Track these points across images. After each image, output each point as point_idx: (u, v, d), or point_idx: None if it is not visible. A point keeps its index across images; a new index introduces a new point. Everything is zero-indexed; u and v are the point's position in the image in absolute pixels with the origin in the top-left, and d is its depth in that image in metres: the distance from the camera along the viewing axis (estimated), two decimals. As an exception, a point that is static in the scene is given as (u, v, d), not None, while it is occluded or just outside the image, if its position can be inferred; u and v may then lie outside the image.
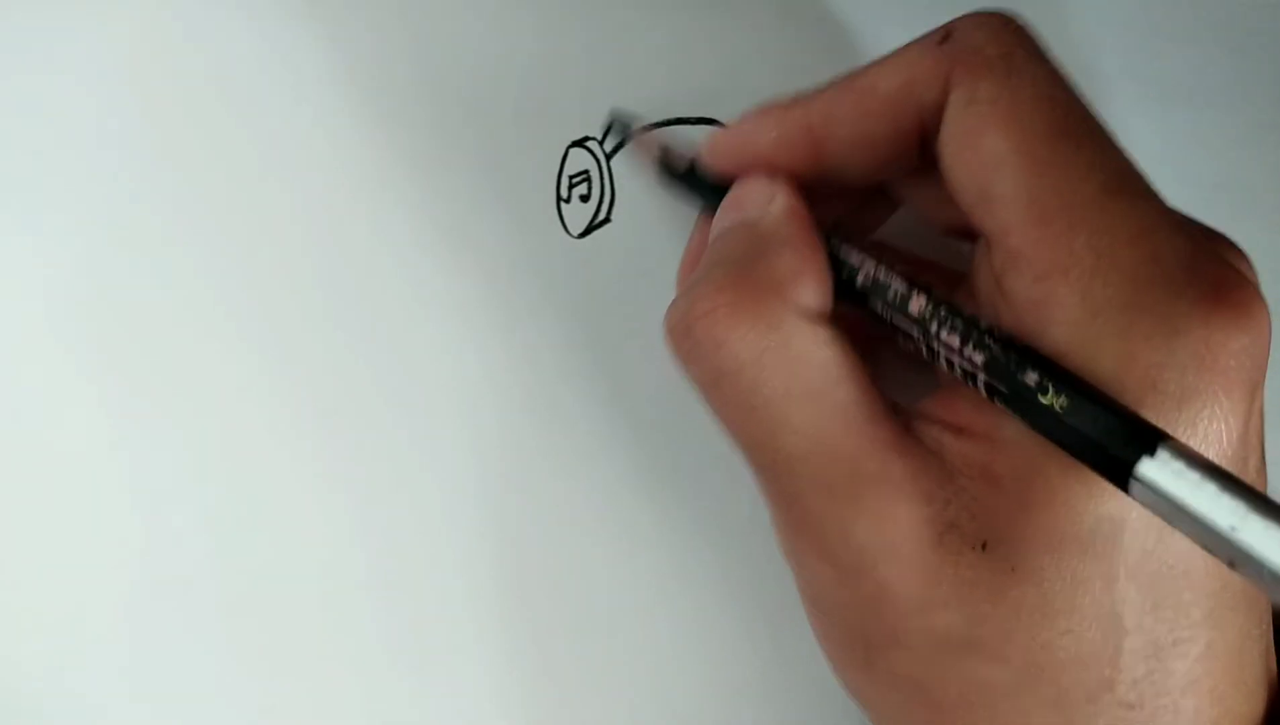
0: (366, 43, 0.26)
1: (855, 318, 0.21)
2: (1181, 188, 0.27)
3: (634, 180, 0.27)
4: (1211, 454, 0.18)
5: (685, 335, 0.21)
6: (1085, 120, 0.19)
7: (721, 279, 0.20)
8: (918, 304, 0.20)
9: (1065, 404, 0.17)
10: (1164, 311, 0.18)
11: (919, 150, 0.21)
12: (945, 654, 0.19)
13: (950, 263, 0.25)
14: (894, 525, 0.19)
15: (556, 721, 0.25)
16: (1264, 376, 0.19)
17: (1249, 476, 0.19)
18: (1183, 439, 0.17)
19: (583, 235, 0.27)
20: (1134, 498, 0.17)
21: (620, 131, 0.26)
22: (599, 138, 0.27)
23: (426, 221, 0.26)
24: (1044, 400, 0.18)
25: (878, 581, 0.19)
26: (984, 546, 0.19)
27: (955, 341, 0.19)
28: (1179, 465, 0.16)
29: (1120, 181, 0.19)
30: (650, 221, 0.27)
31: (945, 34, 0.20)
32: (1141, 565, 0.18)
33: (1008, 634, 0.19)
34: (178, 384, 0.25)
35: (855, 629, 0.20)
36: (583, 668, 0.26)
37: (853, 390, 0.20)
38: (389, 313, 0.26)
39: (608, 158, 0.27)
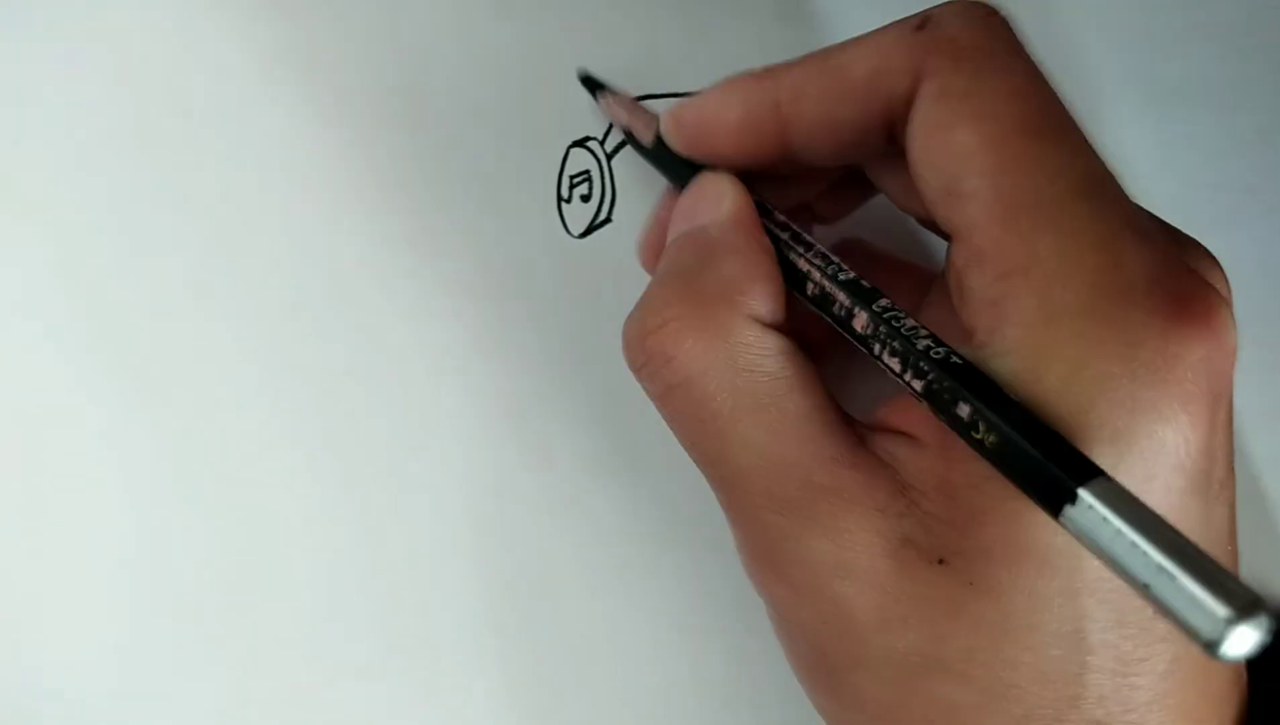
0: (365, 42, 0.26)
1: (815, 318, 0.21)
2: (1181, 188, 0.27)
3: (635, 180, 0.27)
4: (1168, 466, 0.17)
5: (639, 350, 0.20)
6: (1060, 119, 0.19)
7: (671, 293, 0.20)
8: (860, 321, 0.20)
9: (994, 442, 0.17)
10: (1122, 320, 0.17)
11: (887, 137, 0.21)
12: (908, 674, 0.19)
13: (925, 258, 0.25)
14: (848, 539, 0.19)
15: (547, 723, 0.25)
16: (1229, 387, 0.18)
17: (1211, 490, 0.18)
18: (1137, 451, 0.17)
19: (583, 235, 0.27)
20: (1066, 530, 0.17)
21: (591, 90, 0.26)
22: (599, 138, 0.27)
23: (426, 222, 0.26)
24: (975, 435, 0.17)
25: (834, 599, 0.19)
26: (940, 561, 0.18)
27: (895, 365, 0.19)
28: (1099, 513, 0.16)
29: (1089, 184, 0.18)
30: (651, 221, 0.27)
31: (923, 20, 0.20)
32: (1102, 581, 0.18)
33: (970, 652, 0.18)
34: (174, 386, 0.25)
35: (818, 650, 0.20)
36: (577, 672, 0.26)
37: (803, 401, 0.20)
38: (388, 314, 0.26)
39: (609, 157, 0.27)
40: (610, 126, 0.27)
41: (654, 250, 0.24)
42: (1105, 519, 0.16)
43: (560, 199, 0.26)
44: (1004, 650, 0.18)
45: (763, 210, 0.22)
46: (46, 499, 0.24)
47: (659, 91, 0.27)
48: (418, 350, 0.26)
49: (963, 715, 0.18)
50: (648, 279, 0.26)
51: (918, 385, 0.18)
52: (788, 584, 0.20)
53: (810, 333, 0.21)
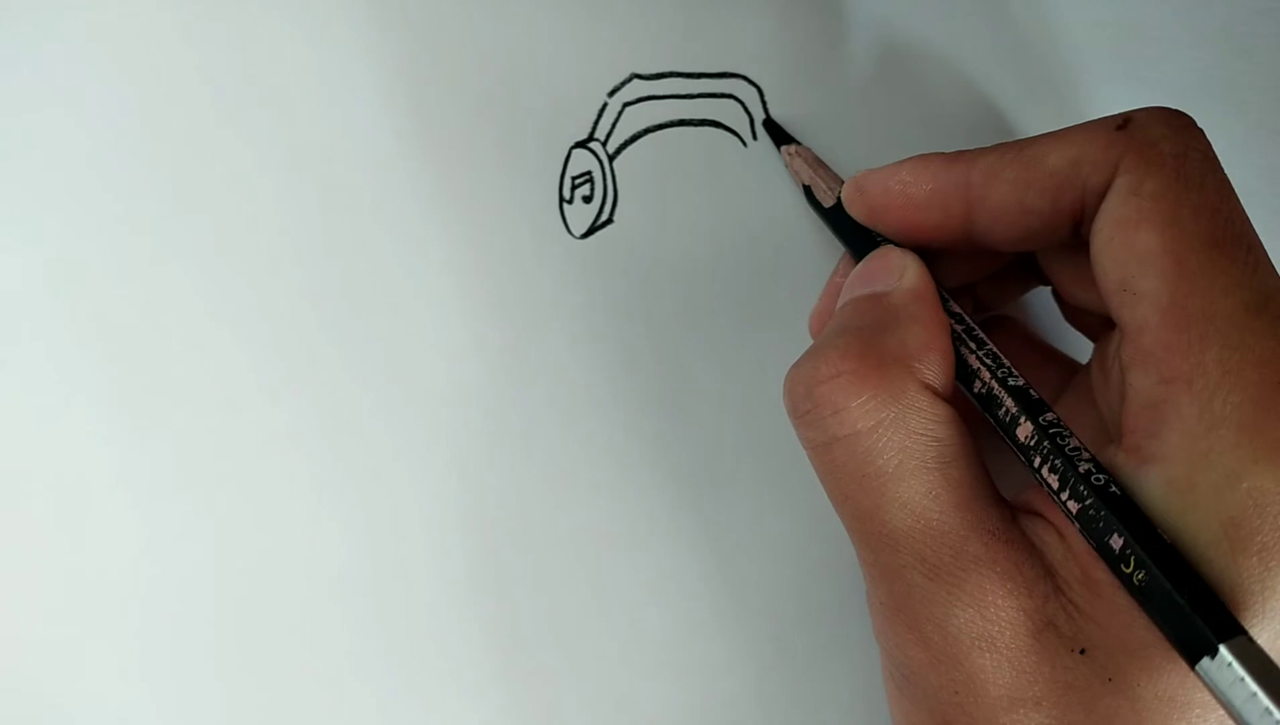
0: (365, 43, 0.26)
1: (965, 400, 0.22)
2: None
3: (636, 181, 0.27)
4: None
5: (804, 397, 0.20)
6: (1243, 235, 0.19)
7: (847, 347, 0.20)
8: (1024, 430, 0.20)
9: (1142, 580, 0.17)
10: (1278, 439, 0.18)
11: (1072, 228, 0.21)
12: None
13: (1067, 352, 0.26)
14: (994, 614, 0.19)
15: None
16: None
17: None
18: None
19: (585, 236, 0.27)
20: (1201, 681, 0.17)
21: (775, 140, 0.27)
22: (601, 139, 0.27)
23: (427, 222, 0.26)
24: (1124, 569, 0.18)
25: (970, 671, 0.19)
26: (1081, 651, 0.19)
27: (1054, 482, 0.19)
28: (1236, 673, 0.16)
29: (1264, 302, 0.19)
30: (652, 223, 0.27)
31: (1124, 120, 0.20)
32: None
33: None
34: (173, 386, 0.25)
35: (940, 717, 0.20)
36: (575, 674, 0.26)
37: (965, 471, 0.20)
38: (388, 314, 0.26)
39: (610, 159, 0.27)
40: (612, 127, 0.27)
41: (826, 318, 0.25)
42: (1241, 679, 0.16)
43: (562, 200, 0.27)
44: None
45: (939, 295, 0.22)
46: (46, 499, 0.24)
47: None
48: (419, 350, 0.26)
49: None
50: (649, 280, 0.27)
51: (1073, 507, 0.19)
52: (925, 647, 0.20)
53: (958, 406, 0.22)
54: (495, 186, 0.26)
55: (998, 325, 0.26)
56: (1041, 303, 0.27)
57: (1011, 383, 0.21)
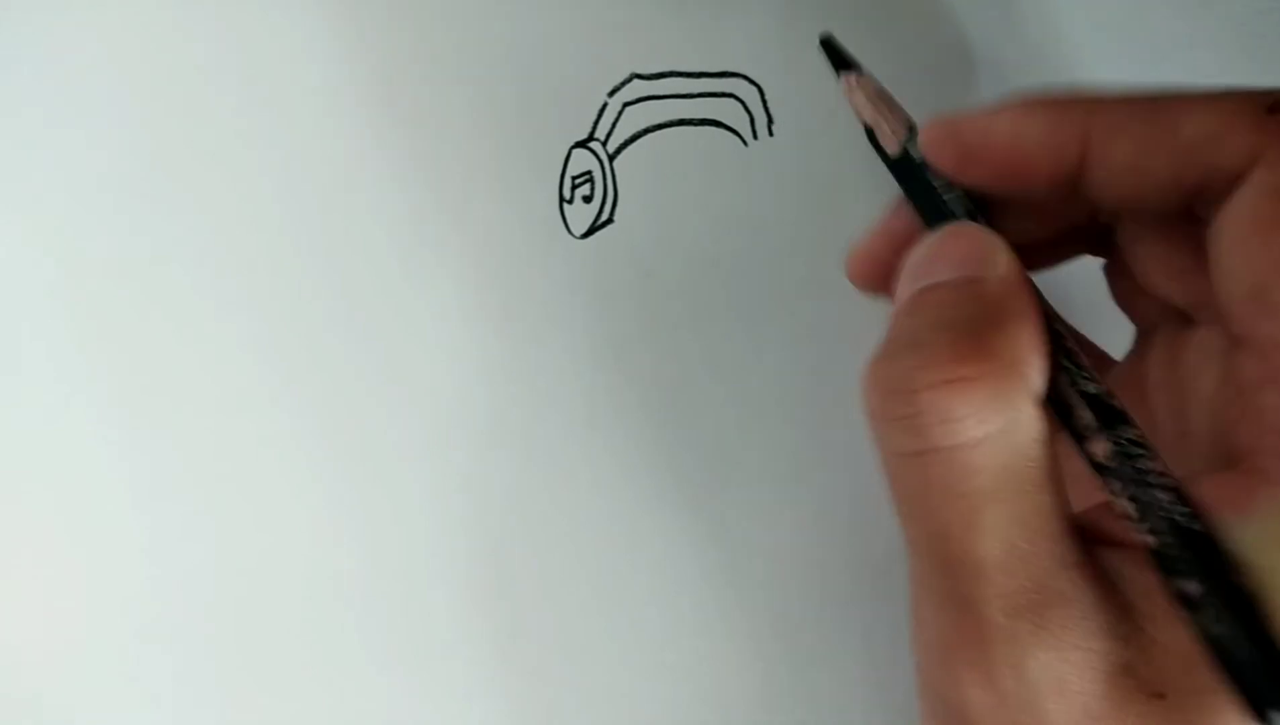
0: (365, 41, 0.26)
1: None
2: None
3: (636, 181, 0.27)
4: None
5: (904, 401, 0.18)
6: None
7: (955, 346, 0.18)
8: (1102, 448, 0.18)
9: (1216, 629, 0.16)
10: None
11: (1185, 203, 0.19)
12: None
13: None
14: (1071, 655, 0.17)
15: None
16: None
17: None
18: None
19: (585, 236, 0.27)
20: None
21: (835, 63, 0.23)
22: (601, 138, 0.27)
23: (427, 221, 0.26)
24: (1197, 615, 0.17)
25: (1039, 716, 0.17)
26: (1160, 695, 0.17)
27: (1131, 510, 0.18)
28: None
29: None
30: (653, 222, 0.27)
31: (1277, 102, 0.18)
32: None
33: None
34: (171, 386, 0.25)
35: None
36: (576, 676, 0.26)
37: (1055, 497, 0.18)
38: (388, 314, 0.26)
39: (610, 159, 0.27)
40: (612, 127, 0.27)
41: (870, 262, 0.23)
42: None
43: (562, 199, 0.26)
44: None
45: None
46: (46, 499, 0.24)
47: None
48: (419, 350, 0.26)
49: None
50: (650, 279, 0.27)
51: (1151, 541, 0.17)
52: (993, 689, 0.18)
53: None
54: (495, 186, 0.26)
55: None
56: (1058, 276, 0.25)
57: (1091, 390, 0.19)
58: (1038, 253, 0.23)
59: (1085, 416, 0.18)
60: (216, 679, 0.24)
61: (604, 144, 0.27)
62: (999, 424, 0.18)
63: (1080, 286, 0.24)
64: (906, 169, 0.21)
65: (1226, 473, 0.18)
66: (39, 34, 0.25)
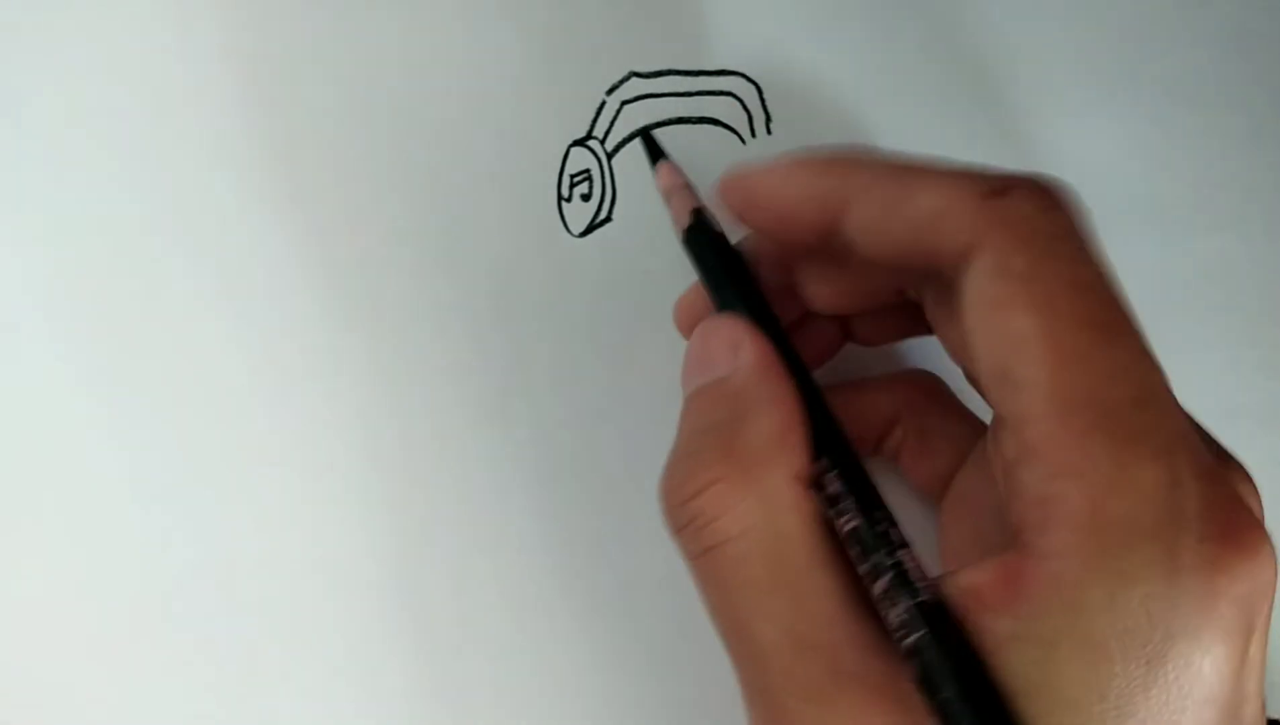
0: (366, 42, 0.26)
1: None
2: (1179, 188, 0.28)
3: (635, 180, 0.27)
4: (1200, 698, 0.17)
5: (681, 513, 0.20)
6: (1121, 320, 0.18)
7: (708, 452, 0.20)
8: (852, 529, 0.19)
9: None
10: (1173, 542, 0.17)
11: (933, 269, 0.20)
12: None
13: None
14: None
15: None
16: (1267, 615, 0.18)
17: (1242, 724, 0.18)
18: (1172, 678, 0.17)
19: (584, 234, 0.27)
20: None
21: (651, 154, 0.25)
22: (599, 137, 0.27)
23: (426, 221, 0.26)
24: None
25: None
26: None
27: (892, 620, 0.18)
28: None
29: (1148, 392, 0.18)
30: (651, 220, 0.27)
31: (993, 190, 0.19)
32: None
33: None
34: (170, 385, 0.25)
35: None
36: (576, 673, 0.26)
37: (835, 578, 0.19)
38: (387, 313, 0.26)
39: (609, 157, 0.27)
40: (610, 125, 0.27)
41: (693, 316, 0.24)
42: None
43: (560, 198, 0.27)
44: None
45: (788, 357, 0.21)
46: (46, 498, 0.24)
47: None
48: (417, 348, 0.26)
49: None
50: (648, 278, 0.27)
51: (902, 637, 0.18)
52: None
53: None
54: (494, 185, 0.26)
55: (905, 377, 0.25)
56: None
57: (847, 473, 0.19)
58: (867, 326, 0.24)
59: (842, 497, 0.19)
60: (216, 679, 0.24)
61: (602, 142, 0.27)
62: (758, 515, 0.19)
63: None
64: (695, 245, 0.23)
65: (1000, 555, 0.18)
66: (40, 34, 0.25)
